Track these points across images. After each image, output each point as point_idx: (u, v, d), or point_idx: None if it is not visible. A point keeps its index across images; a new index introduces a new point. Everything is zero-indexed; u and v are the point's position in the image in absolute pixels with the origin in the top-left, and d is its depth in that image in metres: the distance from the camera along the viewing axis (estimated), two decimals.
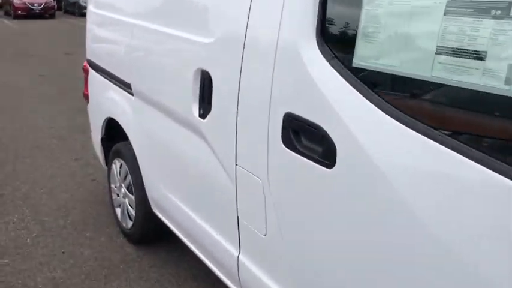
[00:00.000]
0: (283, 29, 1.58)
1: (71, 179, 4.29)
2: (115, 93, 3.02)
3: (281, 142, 1.60)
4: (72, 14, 25.14)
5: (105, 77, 3.16)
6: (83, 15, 23.53)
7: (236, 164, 1.89)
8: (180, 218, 2.47)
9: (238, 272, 2.00)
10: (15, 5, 22.57)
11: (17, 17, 22.40)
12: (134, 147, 2.84)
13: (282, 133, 1.59)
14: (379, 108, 1.28)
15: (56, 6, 24.16)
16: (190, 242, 2.47)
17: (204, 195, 2.21)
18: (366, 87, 1.33)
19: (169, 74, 2.35)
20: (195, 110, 2.11)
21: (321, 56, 1.47)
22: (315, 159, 1.47)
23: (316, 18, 1.49)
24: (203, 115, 2.06)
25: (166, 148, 2.51)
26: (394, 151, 1.26)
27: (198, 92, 2.08)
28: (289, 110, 1.56)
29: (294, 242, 1.67)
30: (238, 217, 1.95)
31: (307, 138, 1.52)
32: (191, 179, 2.31)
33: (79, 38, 15.23)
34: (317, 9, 1.48)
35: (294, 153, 1.55)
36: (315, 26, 1.49)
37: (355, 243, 1.41)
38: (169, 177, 2.54)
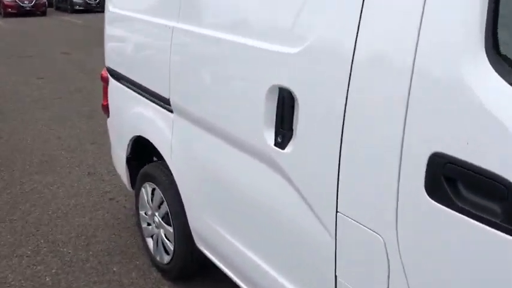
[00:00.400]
0: (425, 37, 1.14)
1: (86, 199, 3.84)
2: (146, 108, 2.57)
3: (424, 191, 1.17)
4: (65, 11, 24.50)
5: (132, 89, 2.71)
6: (76, 12, 23.38)
7: (337, 211, 1.45)
8: (240, 263, 2.03)
9: None
10: (5, 3, 21.92)
11: (7, 15, 21.76)
12: (174, 173, 2.40)
13: (427, 180, 1.16)
14: None
15: (47, 3, 23.49)
16: None
17: (279, 242, 1.77)
18: None
19: (229, 91, 1.89)
20: (269, 137, 1.67)
21: (496, 74, 1.03)
22: (492, 222, 1.04)
23: (484, 21, 1.05)
24: (281, 144, 1.62)
25: (221, 178, 2.06)
26: None
27: (274, 115, 1.64)
28: (440, 150, 1.12)
29: None
30: (336, 277, 1.52)
31: (476, 191, 1.08)
32: (259, 219, 1.86)
33: (75, 36, 14.77)
34: (486, 9, 1.05)
35: (450, 210, 1.12)
36: (483, 33, 1.05)
37: None
38: (225, 213, 2.09)
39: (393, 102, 1.21)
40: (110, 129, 3.23)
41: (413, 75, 1.16)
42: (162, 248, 2.74)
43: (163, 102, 2.35)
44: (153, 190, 2.73)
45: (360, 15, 1.30)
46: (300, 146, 1.56)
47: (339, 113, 1.38)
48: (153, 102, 2.47)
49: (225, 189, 2.04)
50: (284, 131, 1.61)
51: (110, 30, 2.97)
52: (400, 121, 1.20)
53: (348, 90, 1.34)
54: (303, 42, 1.49)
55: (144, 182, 2.80)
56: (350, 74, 1.33)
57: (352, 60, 1.32)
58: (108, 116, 3.17)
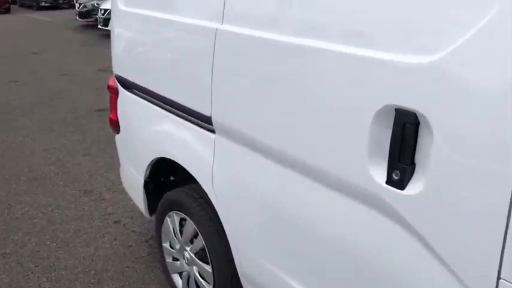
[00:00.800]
0: None
1: (88, 224, 3.38)
2: (174, 126, 2.14)
3: None
4: (30, 7, 23.46)
5: (153, 102, 2.27)
6: (42, 8, 22.39)
7: (499, 278, 1.07)
8: None
9: None
10: None
11: None
12: (217, 205, 1.98)
13: None
14: None
15: None
16: None
17: None
18: None
19: (313, 112, 1.45)
20: (377, 172, 1.27)
21: None
22: None
23: None
24: (399, 183, 1.23)
25: (292, 218, 1.64)
26: None
27: (387, 144, 1.25)
28: None
29: None
30: None
31: None
32: (362, 276, 1.45)
33: (44, 35, 14.11)
34: None
35: None
36: None
37: None
38: (302, 264, 1.67)
39: None
40: (119, 147, 2.79)
41: None
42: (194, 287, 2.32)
43: (201, 120, 1.93)
44: (182, 220, 2.31)
45: None
46: (431, 188, 1.17)
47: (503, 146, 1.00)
48: (185, 119, 2.05)
49: (299, 232, 1.63)
50: (400, 166, 1.22)
51: (120, 32, 2.52)
52: None
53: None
54: (439, 48, 1.10)
55: (169, 211, 2.38)
56: None
57: None
58: (117, 132, 2.72)
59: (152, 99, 2.27)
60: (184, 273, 2.41)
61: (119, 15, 2.51)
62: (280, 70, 1.53)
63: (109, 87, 2.67)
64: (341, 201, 1.42)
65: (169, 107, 2.14)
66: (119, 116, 2.64)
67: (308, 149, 1.48)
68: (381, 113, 1.24)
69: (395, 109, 1.21)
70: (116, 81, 2.60)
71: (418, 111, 1.16)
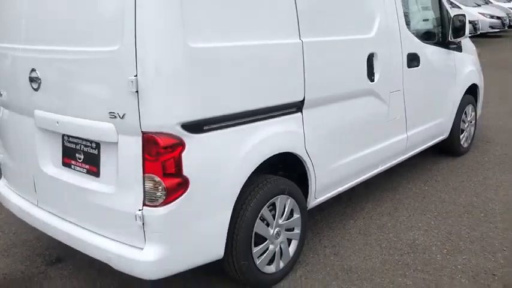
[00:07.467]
0: None
1: None
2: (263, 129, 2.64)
3: None
4: None
5: (241, 123, 2.58)
6: None
7: None
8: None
9: None
10: None
11: None
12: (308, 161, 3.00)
13: None
14: None
15: None
16: None
17: None
18: None
19: None
20: None
21: None
22: None
23: None
24: None
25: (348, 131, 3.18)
26: None
27: None
28: None
29: None
30: None
31: None
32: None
33: None
34: None
35: None
36: None
37: None
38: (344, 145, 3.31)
39: None
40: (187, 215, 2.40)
41: None
42: None
43: (290, 107, 2.81)
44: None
45: None
46: None
47: None
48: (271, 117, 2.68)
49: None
50: None
51: (196, 73, 2.31)
52: None
53: None
54: None
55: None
56: None
57: None
58: (182, 194, 2.33)
59: (240, 119, 2.54)
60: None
61: (189, 54, 2.27)
62: None
63: (161, 149, 2.26)
64: None
65: (257, 117, 2.61)
66: (188, 172, 2.33)
67: None
68: None
69: None
70: (169, 137, 2.27)
71: None
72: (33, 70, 2.64)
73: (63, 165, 2.71)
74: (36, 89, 2.65)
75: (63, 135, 2.68)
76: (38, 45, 2.63)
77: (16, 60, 2.79)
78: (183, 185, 2.30)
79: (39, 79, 2.61)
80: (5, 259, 3.28)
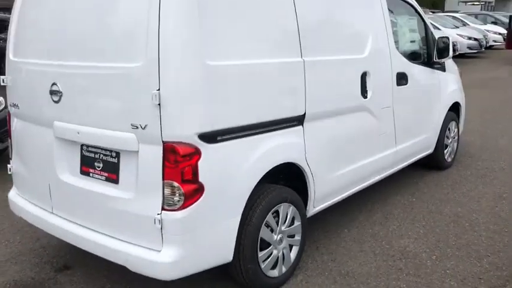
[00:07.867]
0: None
1: None
2: (269, 140, 2.80)
3: None
4: None
5: (248, 134, 2.77)
6: None
7: None
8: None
9: None
10: None
11: None
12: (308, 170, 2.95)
13: None
14: None
15: None
16: None
17: None
18: None
19: None
20: None
21: None
22: None
23: None
24: None
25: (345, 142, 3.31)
26: None
27: None
28: None
29: None
30: None
31: None
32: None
33: None
34: None
35: None
36: None
37: None
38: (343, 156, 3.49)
39: None
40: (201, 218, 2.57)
41: None
42: None
43: (292, 121, 3.02)
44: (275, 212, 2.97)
45: None
46: None
47: None
48: (275, 130, 2.87)
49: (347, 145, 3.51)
50: None
51: (212, 89, 2.51)
52: None
53: None
54: None
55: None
56: None
57: None
58: (198, 199, 2.51)
59: (247, 131, 2.73)
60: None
61: (207, 71, 2.48)
62: None
63: (179, 156, 2.44)
64: None
65: (264, 129, 2.83)
66: (204, 180, 2.51)
67: None
68: None
69: None
70: (188, 145, 2.45)
71: None
72: (54, 84, 2.81)
73: (81, 173, 2.86)
74: (56, 101, 2.81)
75: (82, 145, 2.83)
76: (60, 60, 2.81)
77: (37, 74, 2.97)
78: (199, 190, 2.49)
79: (60, 92, 2.79)
80: (14, 266, 3.39)
